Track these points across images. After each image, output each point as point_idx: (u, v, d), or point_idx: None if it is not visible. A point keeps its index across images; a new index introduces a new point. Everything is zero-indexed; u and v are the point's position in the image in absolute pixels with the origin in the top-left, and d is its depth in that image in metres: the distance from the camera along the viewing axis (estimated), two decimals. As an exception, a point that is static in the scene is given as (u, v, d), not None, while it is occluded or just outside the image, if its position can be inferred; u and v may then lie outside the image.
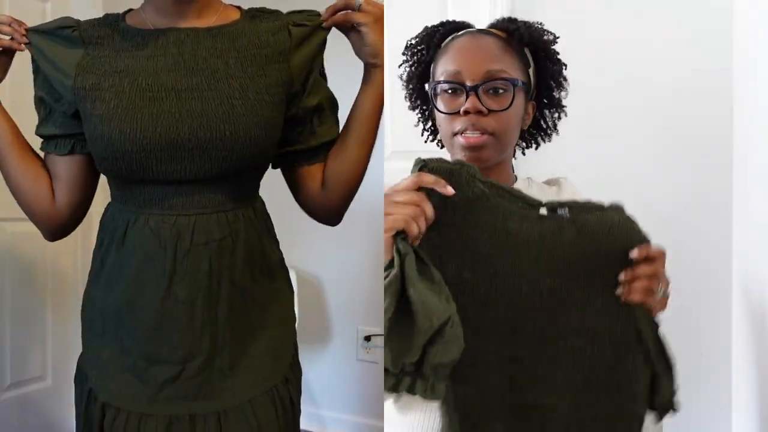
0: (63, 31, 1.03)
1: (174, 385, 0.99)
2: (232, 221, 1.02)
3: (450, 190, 0.89)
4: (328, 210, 1.15)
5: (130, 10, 1.06)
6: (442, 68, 1.12)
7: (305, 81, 1.06)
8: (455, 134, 1.09)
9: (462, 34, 1.16)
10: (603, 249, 0.93)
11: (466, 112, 1.06)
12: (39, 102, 1.07)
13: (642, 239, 0.96)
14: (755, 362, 1.67)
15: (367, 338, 2.36)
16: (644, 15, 1.91)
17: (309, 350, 2.48)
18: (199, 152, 0.96)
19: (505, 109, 1.07)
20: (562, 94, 1.20)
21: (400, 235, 0.85)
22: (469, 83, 1.07)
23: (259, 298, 1.07)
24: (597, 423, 0.94)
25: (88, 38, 1.02)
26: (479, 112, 1.06)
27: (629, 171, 1.92)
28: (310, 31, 1.06)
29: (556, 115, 1.23)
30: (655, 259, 0.96)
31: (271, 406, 1.04)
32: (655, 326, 0.98)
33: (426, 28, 1.19)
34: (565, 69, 1.19)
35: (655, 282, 0.96)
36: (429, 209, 0.87)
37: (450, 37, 1.16)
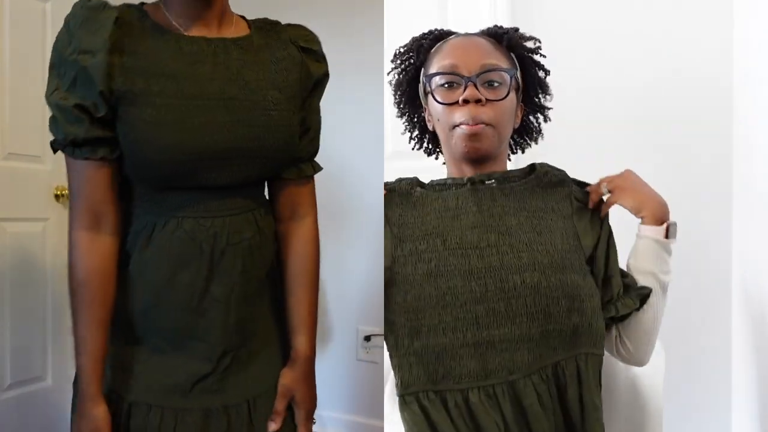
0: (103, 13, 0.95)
1: (208, 380, 1.02)
2: (259, 219, 1.07)
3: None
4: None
5: (143, 3, 1.03)
6: (438, 64, 1.14)
7: (306, 98, 1.14)
8: (455, 126, 1.11)
9: (453, 36, 1.20)
10: (527, 205, 1.13)
11: (465, 102, 1.09)
12: (76, 107, 0.94)
13: (564, 188, 1.18)
14: (755, 362, 1.67)
15: (367, 338, 2.36)
16: (644, 18, 1.91)
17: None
18: (244, 160, 1.01)
19: (502, 99, 1.11)
20: (547, 98, 1.24)
21: None
22: (466, 74, 1.10)
23: (271, 290, 1.13)
24: (547, 336, 1.03)
25: (123, 34, 0.95)
26: (478, 102, 1.09)
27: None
28: (318, 62, 1.17)
29: (541, 119, 1.27)
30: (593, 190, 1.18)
31: None
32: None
33: (414, 38, 1.23)
34: (549, 74, 1.22)
35: (603, 189, 1.18)
36: None
37: (440, 42, 1.20)
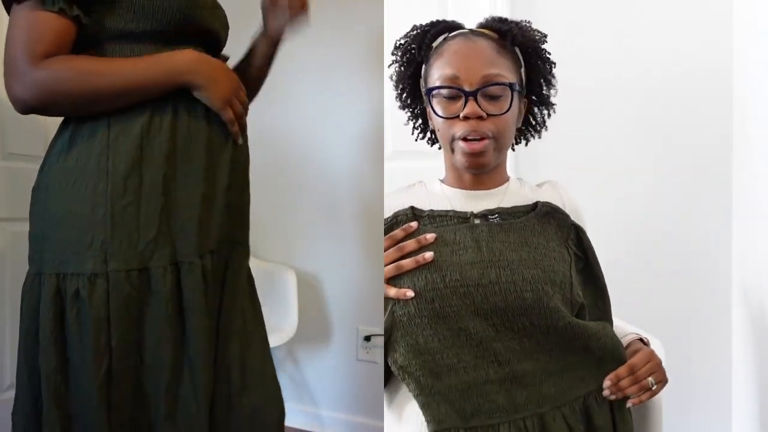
0: None
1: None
2: None
3: (399, 233, 1.10)
4: None
5: None
6: (439, 72, 1.11)
7: None
8: (455, 139, 1.10)
9: (455, 36, 1.16)
10: (529, 241, 1.09)
11: (466, 118, 1.07)
12: None
13: (562, 231, 1.13)
14: (755, 362, 1.67)
15: (367, 338, 2.36)
16: (644, 14, 1.91)
17: (309, 350, 2.48)
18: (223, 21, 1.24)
19: (503, 113, 1.08)
20: (552, 91, 1.22)
21: None
22: (467, 88, 1.08)
23: None
24: (572, 368, 1.05)
25: None
26: (478, 117, 1.07)
27: (628, 173, 1.92)
28: None
29: (545, 112, 1.24)
30: (633, 369, 1.08)
31: None
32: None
33: (415, 27, 1.20)
34: (554, 67, 1.20)
35: (640, 386, 1.08)
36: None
37: (442, 38, 1.17)
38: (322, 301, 2.46)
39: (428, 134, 1.29)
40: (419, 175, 1.26)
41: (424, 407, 1.01)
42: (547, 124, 1.26)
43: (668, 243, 1.90)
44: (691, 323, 1.88)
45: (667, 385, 1.22)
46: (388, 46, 1.24)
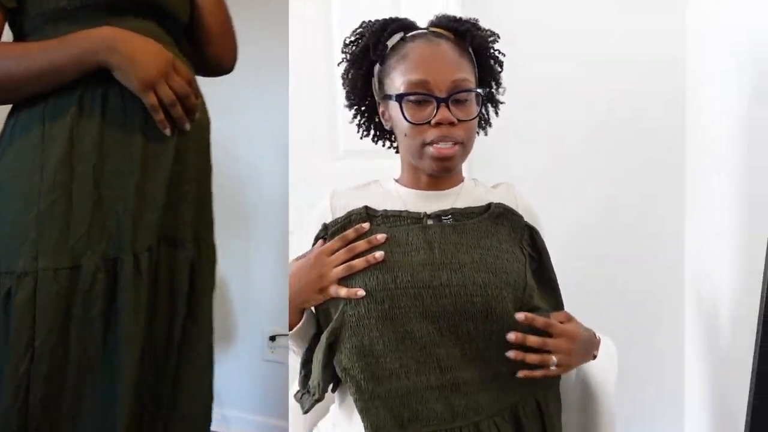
0: None
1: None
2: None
3: (351, 234, 1.09)
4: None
5: None
6: (405, 77, 1.11)
7: None
8: (426, 144, 1.10)
9: (415, 38, 1.15)
10: (482, 243, 1.09)
11: (438, 124, 1.08)
12: None
13: (516, 233, 1.14)
14: (708, 361, 1.71)
15: (272, 338, 2.35)
16: (597, 9, 1.92)
17: (215, 350, 2.46)
18: None
19: (472, 119, 1.11)
20: (500, 90, 1.24)
21: None
22: (438, 94, 1.08)
23: None
24: (502, 379, 1.05)
25: None
26: (450, 123, 1.08)
27: (582, 173, 1.95)
28: None
29: (493, 109, 1.27)
30: (548, 328, 1.04)
31: None
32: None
33: (364, 24, 1.18)
34: (503, 67, 1.21)
35: (546, 356, 1.02)
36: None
37: (398, 38, 1.15)
38: (228, 301, 2.43)
39: (373, 130, 1.28)
40: (372, 174, 1.25)
41: (363, 412, 1.02)
42: (492, 122, 1.28)
43: (622, 244, 1.94)
44: (643, 325, 1.92)
45: (620, 384, 1.23)
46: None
